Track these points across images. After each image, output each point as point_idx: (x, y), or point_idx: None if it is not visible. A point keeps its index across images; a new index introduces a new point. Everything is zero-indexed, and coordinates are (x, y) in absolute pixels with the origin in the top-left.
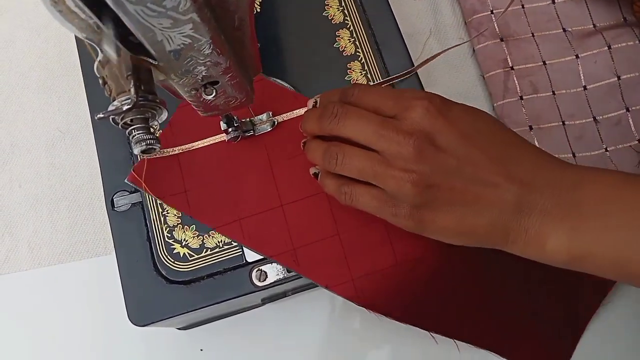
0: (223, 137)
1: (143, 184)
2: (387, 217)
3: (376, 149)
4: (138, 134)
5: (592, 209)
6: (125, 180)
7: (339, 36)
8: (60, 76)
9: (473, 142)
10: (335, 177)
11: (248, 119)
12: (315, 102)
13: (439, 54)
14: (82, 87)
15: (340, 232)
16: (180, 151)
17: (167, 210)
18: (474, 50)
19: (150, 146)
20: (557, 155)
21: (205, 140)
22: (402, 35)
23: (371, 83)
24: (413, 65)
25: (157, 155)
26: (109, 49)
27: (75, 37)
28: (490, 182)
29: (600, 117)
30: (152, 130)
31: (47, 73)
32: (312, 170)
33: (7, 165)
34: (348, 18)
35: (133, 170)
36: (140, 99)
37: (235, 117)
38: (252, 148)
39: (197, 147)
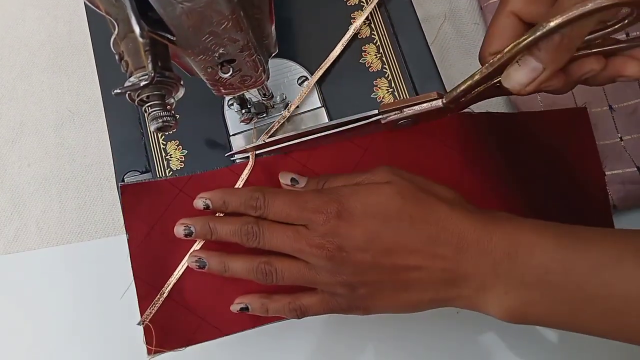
0: (193, 250)
1: (163, 349)
2: (338, 312)
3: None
4: (154, 110)
5: (532, 277)
6: (148, 357)
7: (354, 18)
8: (70, 55)
9: (381, 234)
10: (275, 299)
11: (261, 101)
12: (206, 205)
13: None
14: (92, 66)
15: None
16: (168, 290)
17: None
18: None
19: (167, 123)
20: None
21: (183, 262)
22: (418, 19)
23: (386, 69)
24: (428, 49)
25: (154, 311)
26: (128, 24)
27: (87, 15)
28: (413, 267)
29: (616, 106)
30: (168, 107)
31: (57, 52)
32: (235, 308)
33: (16, 144)
34: (364, 0)
35: (147, 344)
36: (157, 75)
37: (248, 99)
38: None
39: (180, 273)
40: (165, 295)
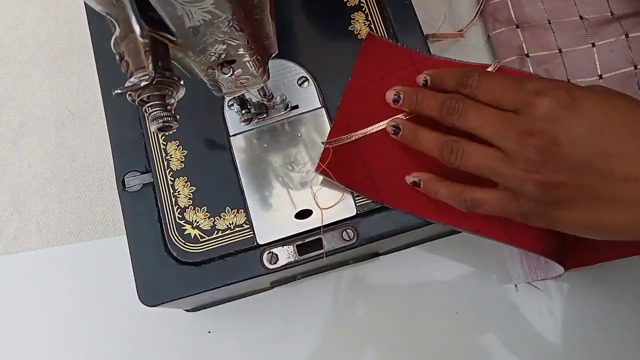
0: (395, 118)
1: (329, 173)
2: (513, 216)
3: (497, 146)
4: (154, 111)
5: None
6: (315, 172)
7: (353, 19)
8: (70, 55)
9: (604, 135)
10: (448, 184)
11: (262, 101)
12: (426, 80)
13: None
14: (92, 67)
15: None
16: (358, 137)
17: (178, 192)
18: (488, 37)
19: (167, 124)
20: None
21: (381, 123)
22: (418, 20)
23: None
24: (429, 51)
25: (338, 143)
26: (128, 24)
27: (87, 15)
28: (627, 178)
29: None
30: (168, 107)
31: (57, 52)
32: (409, 179)
33: (16, 144)
34: (363, 1)
35: (320, 161)
36: (157, 75)
37: (248, 99)
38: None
39: (374, 130)
40: (353, 138)
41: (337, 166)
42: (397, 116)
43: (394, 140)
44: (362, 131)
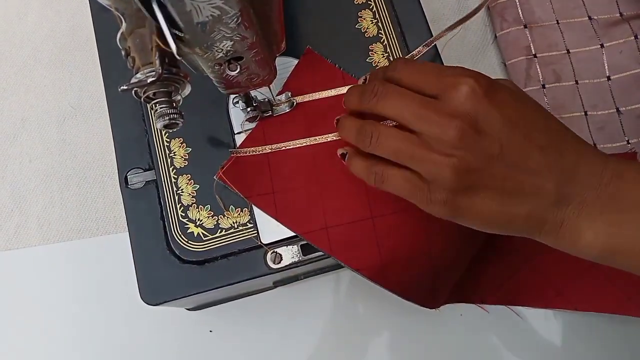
0: (315, 139)
1: (227, 180)
2: (419, 202)
3: (415, 131)
4: (161, 108)
5: (631, 203)
6: (214, 177)
7: (361, 17)
8: (73, 51)
9: (518, 128)
10: (364, 157)
11: (267, 99)
12: (365, 79)
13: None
14: (94, 62)
15: (374, 216)
16: (270, 150)
17: (181, 189)
18: (495, 37)
19: (173, 121)
20: None
21: (296, 141)
22: (426, 19)
23: None
24: (436, 50)
25: (248, 154)
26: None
27: (91, 10)
28: (533, 171)
29: (624, 109)
30: (174, 104)
31: (59, 47)
32: (339, 151)
33: (17, 139)
34: None
35: (221, 168)
36: (164, 71)
37: (254, 97)
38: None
39: (290, 147)
40: (264, 151)
41: (239, 176)
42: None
43: (308, 161)
44: (276, 145)
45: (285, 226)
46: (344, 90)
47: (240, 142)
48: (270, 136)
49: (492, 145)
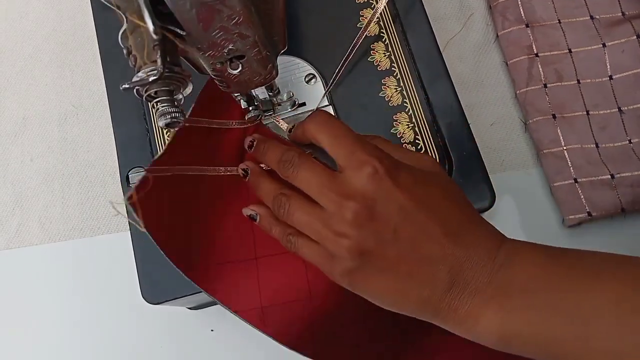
0: (219, 169)
1: (139, 209)
2: (325, 272)
3: (321, 205)
4: (163, 106)
5: (519, 287)
6: (126, 200)
7: (362, 16)
8: (74, 50)
9: (414, 214)
10: (283, 223)
11: (268, 98)
12: (291, 128)
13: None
14: (96, 61)
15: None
16: (188, 173)
17: None
18: (497, 36)
19: (175, 120)
20: (579, 146)
21: (221, 167)
22: (427, 17)
23: (395, 67)
24: (438, 48)
25: (164, 173)
26: (137, 17)
27: (92, 9)
28: (426, 258)
29: (626, 108)
30: (176, 103)
31: (61, 46)
32: (246, 212)
33: (18, 138)
34: None
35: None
36: (166, 70)
37: (255, 96)
38: (239, 186)
39: (209, 173)
40: (186, 172)
41: (150, 203)
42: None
43: (205, 191)
44: (196, 168)
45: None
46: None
47: (154, 159)
48: (185, 158)
49: (386, 229)
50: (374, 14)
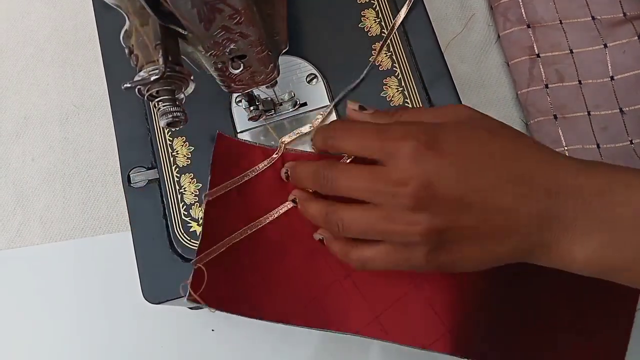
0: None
1: (205, 299)
2: (404, 267)
3: (375, 204)
4: (164, 106)
5: (628, 222)
6: (186, 299)
7: (364, 16)
8: (76, 49)
9: (473, 170)
10: (342, 242)
11: (270, 98)
12: (286, 174)
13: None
14: (97, 61)
15: (416, 283)
16: (234, 241)
17: (184, 188)
18: (498, 37)
19: (177, 119)
20: (581, 146)
21: (260, 219)
22: (429, 18)
23: (397, 67)
24: (439, 48)
25: (212, 256)
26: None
27: (94, 9)
28: (503, 209)
29: (627, 109)
30: (178, 102)
31: (63, 46)
32: (316, 237)
33: (20, 138)
34: None
35: (190, 287)
36: (167, 69)
37: (256, 95)
38: (293, 223)
39: (252, 231)
40: (230, 244)
41: (210, 286)
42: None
43: (275, 243)
44: (239, 232)
45: (274, 321)
46: (265, 162)
47: (197, 249)
48: (222, 230)
49: (451, 201)
50: (385, 40)
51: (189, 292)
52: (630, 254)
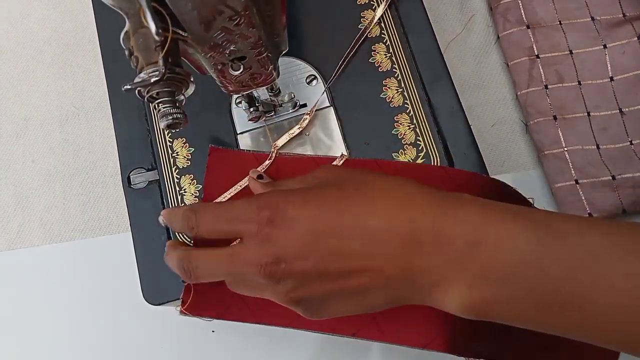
0: None
1: (197, 312)
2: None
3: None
4: (164, 107)
5: (497, 277)
6: (180, 313)
7: (364, 17)
8: (76, 51)
9: (321, 236)
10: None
11: (269, 100)
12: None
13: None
14: (97, 62)
15: None
16: None
17: (184, 189)
18: (498, 37)
19: (177, 120)
20: (580, 147)
21: None
22: (428, 18)
23: (396, 68)
24: (439, 49)
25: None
26: (139, 18)
27: (94, 10)
28: (359, 270)
29: (627, 109)
30: (178, 104)
31: (62, 47)
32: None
33: (20, 139)
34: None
35: (182, 301)
36: (168, 71)
37: (256, 97)
38: None
39: None
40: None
41: (202, 298)
42: None
43: None
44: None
45: (273, 324)
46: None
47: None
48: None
49: (304, 272)
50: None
51: (180, 310)
52: (505, 310)
